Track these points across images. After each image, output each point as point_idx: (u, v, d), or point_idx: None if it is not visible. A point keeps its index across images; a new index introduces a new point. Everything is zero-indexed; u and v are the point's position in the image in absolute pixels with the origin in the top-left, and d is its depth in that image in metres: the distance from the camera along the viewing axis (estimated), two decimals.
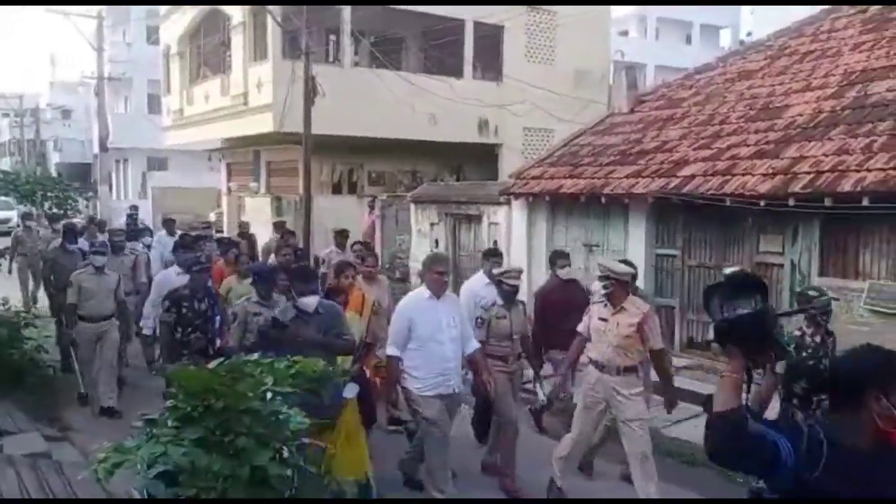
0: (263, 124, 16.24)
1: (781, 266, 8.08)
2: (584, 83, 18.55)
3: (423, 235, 13.28)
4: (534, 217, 11.39)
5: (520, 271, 6.18)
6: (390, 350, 5.25)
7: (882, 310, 6.99)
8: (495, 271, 6.31)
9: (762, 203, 7.78)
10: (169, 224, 12.39)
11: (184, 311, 6.30)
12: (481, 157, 18.77)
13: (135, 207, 18.19)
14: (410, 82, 16.55)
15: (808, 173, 7.58)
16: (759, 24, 23.03)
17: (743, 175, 8.26)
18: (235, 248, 8.91)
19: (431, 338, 5.13)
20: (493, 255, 7.40)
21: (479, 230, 12.37)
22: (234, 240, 10.83)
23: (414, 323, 5.15)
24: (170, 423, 3.23)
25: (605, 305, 5.30)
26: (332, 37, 18.37)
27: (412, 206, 13.78)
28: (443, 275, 5.28)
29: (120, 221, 18.19)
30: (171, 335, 6.32)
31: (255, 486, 2.98)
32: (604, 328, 5.24)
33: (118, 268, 8.37)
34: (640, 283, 9.53)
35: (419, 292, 5.35)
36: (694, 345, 9.18)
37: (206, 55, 20.21)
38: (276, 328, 4.93)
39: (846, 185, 7.06)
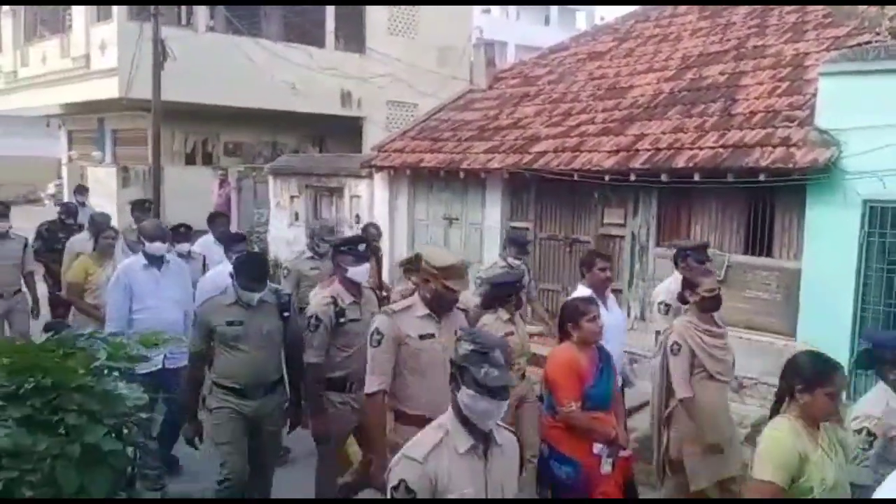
0: (108, 89, 15.22)
1: (623, 237, 8.60)
2: (446, 58, 18.71)
3: (283, 208, 13.00)
4: (395, 190, 11.44)
5: None
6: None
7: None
8: None
9: (606, 178, 8.23)
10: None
11: None
12: (344, 130, 18.56)
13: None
14: (269, 50, 16.03)
15: (648, 150, 8.08)
16: (612, 7, 24.09)
17: (590, 151, 8.68)
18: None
19: None
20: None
21: (340, 203, 12.27)
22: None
23: None
24: None
25: None
26: None
27: (271, 179, 13.42)
28: None
29: None
30: None
31: (89, 465, 2.84)
32: None
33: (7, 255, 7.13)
34: (494, 255, 9.99)
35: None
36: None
37: (43, 12, 18.61)
38: None
39: (680, 162, 7.59)
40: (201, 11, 16.48)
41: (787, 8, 9.93)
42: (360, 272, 4.58)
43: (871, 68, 6.63)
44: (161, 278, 5.41)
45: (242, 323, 4.32)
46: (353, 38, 18.46)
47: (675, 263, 5.66)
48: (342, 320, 4.44)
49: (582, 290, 5.10)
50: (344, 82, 17.48)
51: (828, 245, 6.65)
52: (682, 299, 4.70)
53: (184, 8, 17.24)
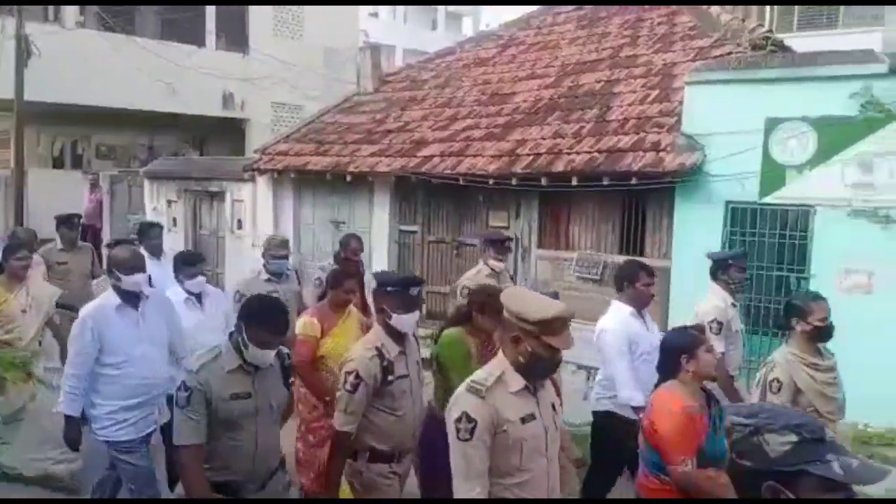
0: None
1: (508, 240, 8.76)
2: (333, 61, 18.51)
3: (160, 214, 12.44)
4: (280, 194, 11.20)
5: None
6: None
7: (587, 276, 7.90)
8: None
9: (490, 182, 8.37)
10: None
11: None
12: (227, 132, 17.99)
13: None
14: (145, 48, 15.31)
15: (529, 155, 8.28)
16: (497, 14, 24.57)
17: (475, 156, 8.80)
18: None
19: None
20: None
21: (222, 208, 11.87)
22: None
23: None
24: None
25: None
26: None
27: (146, 183, 12.84)
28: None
29: None
30: None
31: None
32: None
33: None
34: (382, 259, 9.96)
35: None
36: (433, 315, 9.66)
37: None
38: None
39: (559, 166, 7.82)
40: (70, 8, 15.53)
41: (658, 19, 10.45)
42: (408, 322, 3.61)
43: (732, 77, 7.08)
44: (142, 320, 4.18)
45: (251, 395, 3.23)
46: (235, 38, 17.92)
47: (714, 276, 5.09)
48: (390, 378, 3.53)
49: (620, 308, 4.44)
50: (226, 83, 16.94)
51: (695, 244, 7.02)
52: (782, 326, 4.04)
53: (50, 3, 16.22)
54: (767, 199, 6.73)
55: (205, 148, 18.39)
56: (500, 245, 6.08)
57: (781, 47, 8.88)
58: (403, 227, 9.93)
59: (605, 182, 7.42)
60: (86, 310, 4.16)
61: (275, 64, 16.77)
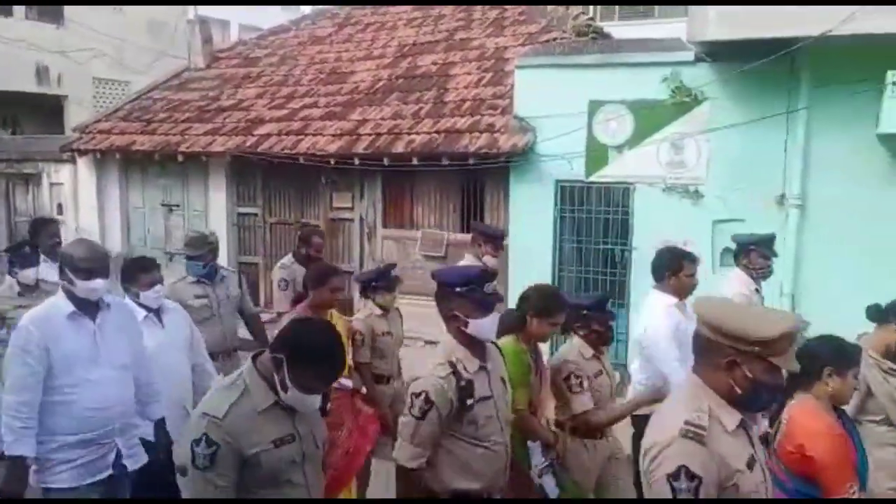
0: None
1: (352, 220, 8.78)
2: (159, 34, 17.44)
3: None
4: (104, 176, 10.50)
5: None
6: None
7: (432, 254, 8.10)
8: None
9: (332, 162, 8.32)
10: None
11: None
12: (44, 110, 16.47)
13: None
14: None
15: (370, 135, 8.31)
16: None
17: (314, 135, 8.71)
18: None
19: None
20: None
21: (38, 192, 10.95)
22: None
23: None
24: None
25: None
26: None
27: None
28: None
29: None
30: None
31: None
32: None
33: None
34: (222, 242, 9.61)
35: None
36: None
37: None
38: None
39: (400, 147, 7.92)
40: None
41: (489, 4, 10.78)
42: (488, 327, 2.93)
43: (558, 62, 7.47)
44: (100, 333, 3.33)
45: (294, 438, 2.49)
46: (48, 8, 16.40)
47: (736, 260, 4.81)
48: (470, 401, 2.82)
49: (661, 299, 4.05)
50: (39, 56, 15.50)
51: (529, 221, 7.41)
52: (876, 318, 3.68)
53: None
54: (593, 178, 7.20)
55: (18, 127, 16.74)
56: (498, 241, 5.41)
57: (602, 34, 9.47)
58: (242, 209, 9.65)
59: (445, 162, 7.61)
60: (28, 317, 3.27)
61: (96, 37, 15.56)
